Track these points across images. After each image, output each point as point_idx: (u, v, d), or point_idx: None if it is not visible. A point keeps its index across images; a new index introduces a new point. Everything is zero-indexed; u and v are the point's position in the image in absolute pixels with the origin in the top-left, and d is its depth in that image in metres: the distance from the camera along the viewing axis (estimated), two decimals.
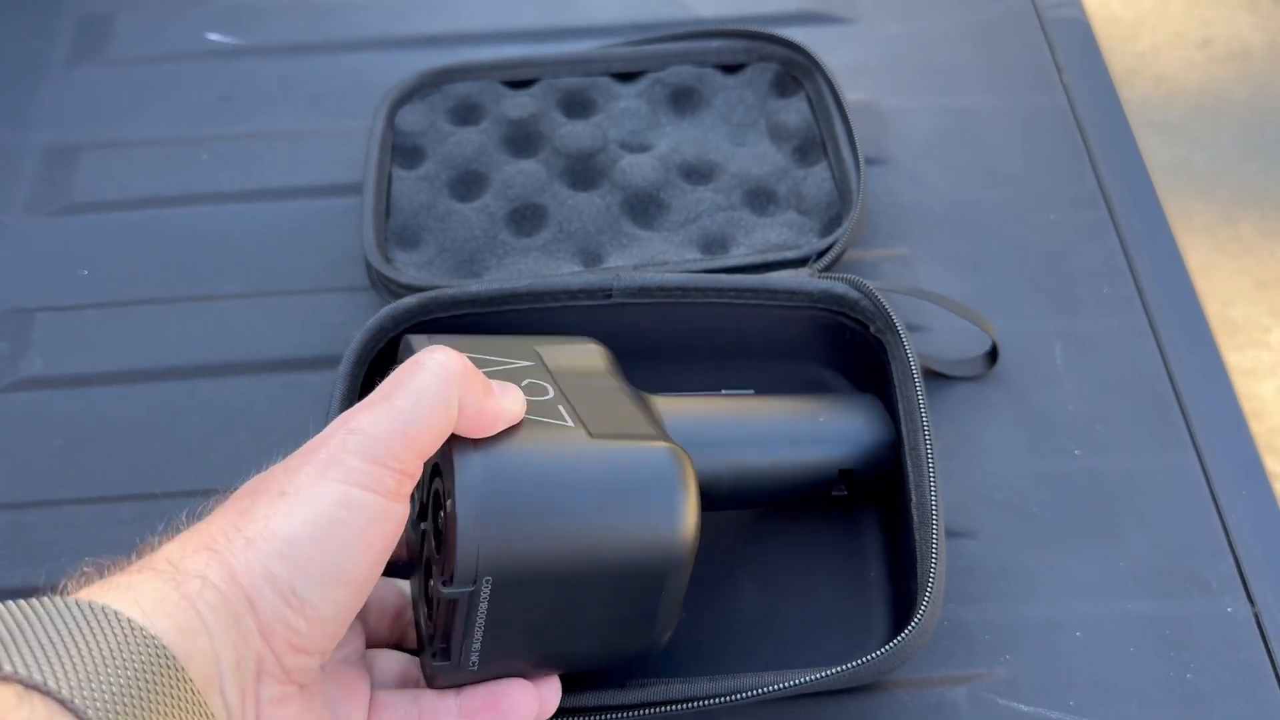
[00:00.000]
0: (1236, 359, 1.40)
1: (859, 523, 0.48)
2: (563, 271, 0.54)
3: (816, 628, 0.46)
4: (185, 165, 0.62)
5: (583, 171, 0.58)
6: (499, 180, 0.57)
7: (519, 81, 0.62)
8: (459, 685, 0.38)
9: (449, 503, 0.35)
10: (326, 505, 0.32)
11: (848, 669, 0.40)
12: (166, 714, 0.28)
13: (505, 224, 0.56)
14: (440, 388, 0.34)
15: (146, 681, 0.28)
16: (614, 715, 0.40)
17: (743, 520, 0.49)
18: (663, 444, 0.38)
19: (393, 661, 0.39)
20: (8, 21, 0.69)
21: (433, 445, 0.34)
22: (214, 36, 0.68)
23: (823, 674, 0.40)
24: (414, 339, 0.40)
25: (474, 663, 0.37)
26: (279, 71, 0.66)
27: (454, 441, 0.35)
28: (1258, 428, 1.34)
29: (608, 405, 0.40)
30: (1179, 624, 0.46)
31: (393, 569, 0.40)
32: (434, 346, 0.36)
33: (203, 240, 0.59)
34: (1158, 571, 0.47)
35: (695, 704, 0.40)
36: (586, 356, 0.43)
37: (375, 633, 0.40)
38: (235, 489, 0.35)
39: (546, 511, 0.36)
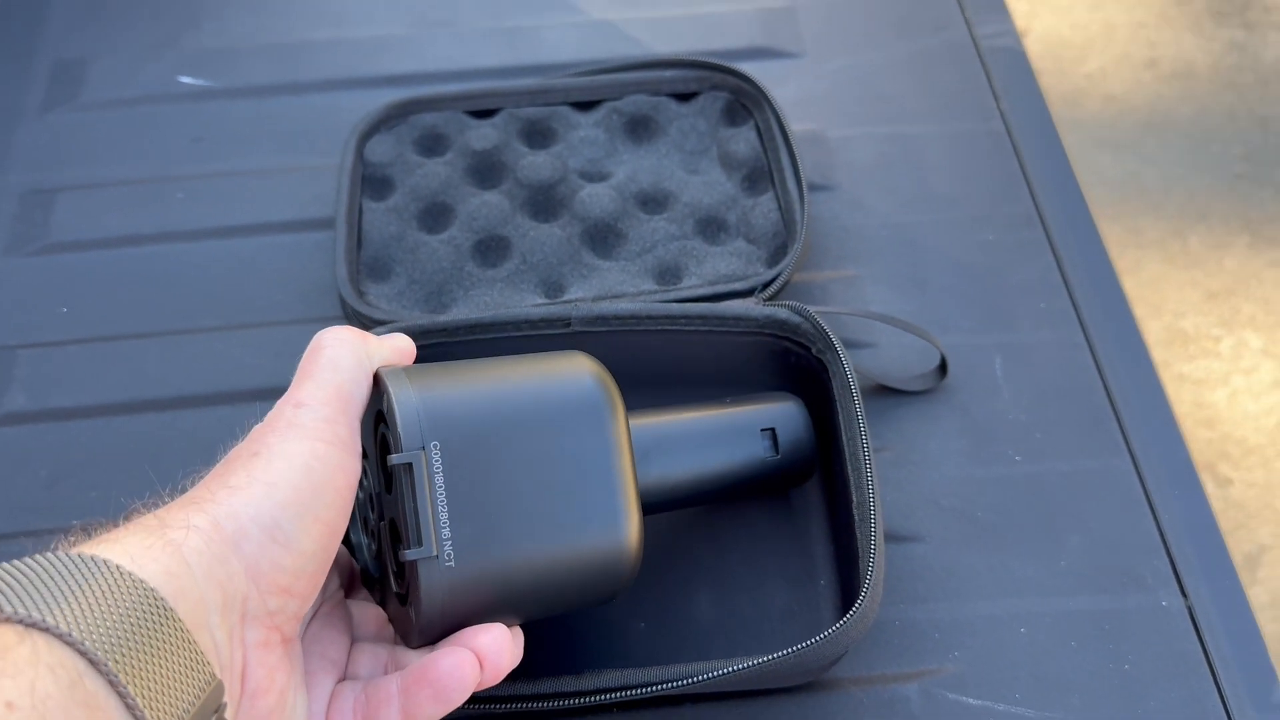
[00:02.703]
0: (1189, 369, 1.44)
1: (810, 534, 0.51)
2: (526, 303, 0.56)
3: (770, 631, 0.48)
4: (160, 204, 0.64)
5: (544, 202, 0.60)
6: (465, 212, 0.60)
7: (482, 111, 0.64)
8: (440, 619, 0.37)
9: (385, 400, 0.38)
10: (298, 456, 0.36)
11: (793, 652, 0.42)
12: (158, 650, 0.30)
13: (471, 256, 0.58)
14: (347, 350, 0.39)
15: (138, 619, 0.30)
16: (571, 701, 0.43)
17: (700, 532, 0.51)
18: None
19: (369, 656, 0.41)
20: None
21: (362, 396, 0.39)
22: (185, 79, 0.70)
23: (769, 658, 0.42)
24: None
25: (449, 554, 0.37)
26: (249, 112, 0.68)
27: (375, 373, 0.40)
28: (1210, 435, 1.38)
29: None
30: (1117, 618, 0.48)
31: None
32: (327, 328, 0.41)
33: (179, 276, 0.61)
34: (1096, 569, 0.49)
35: (648, 689, 0.42)
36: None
37: (364, 634, 0.42)
38: (191, 484, 0.37)
39: (474, 380, 0.39)
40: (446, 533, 0.37)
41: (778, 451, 0.48)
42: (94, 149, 0.67)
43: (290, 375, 0.56)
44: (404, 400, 0.37)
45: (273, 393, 0.55)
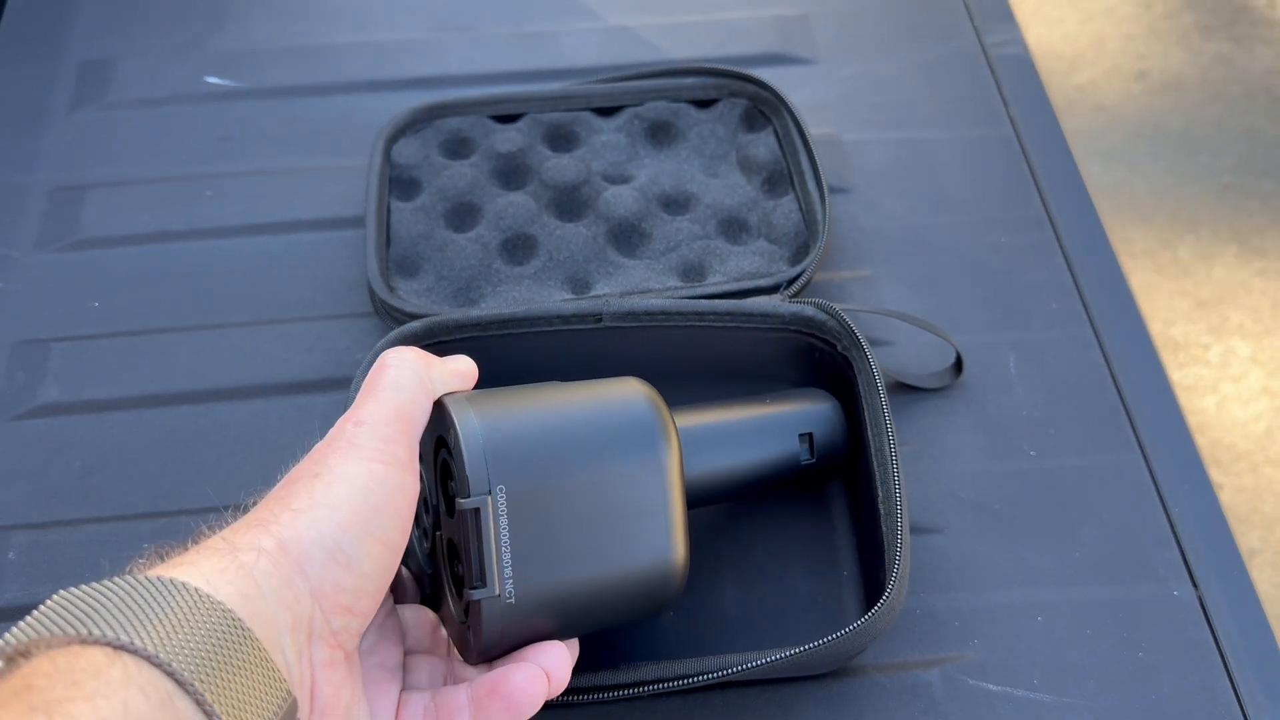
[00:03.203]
0: (1179, 376, 1.46)
1: (833, 525, 0.52)
2: (554, 299, 0.57)
3: (795, 621, 0.49)
4: (188, 202, 0.65)
5: (569, 203, 0.62)
6: (491, 212, 0.61)
7: (506, 116, 0.66)
8: (499, 645, 0.39)
9: (449, 434, 0.39)
10: (357, 478, 0.37)
11: (823, 644, 0.43)
12: (239, 670, 0.31)
13: (499, 253, 0.60)
14: (409, 370, 0.40)
15: (219, 640, 0.31)
16: (610, 694, 0.44)
17: (726, 524, 0.52)
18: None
19: (427, 667, 0.42)
20: (11, 68, 0.72)
21: (422, 417, 0.40)
22: (212, 80, 0.71)
23: (800, 650, 0.43)
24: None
25: (510, 592, 0.38)
26: (276, 112, 0.69)
27: (440, 401, 0.40)
28: (1200, 440, 1.40)
29: None
30: (1130, 607, 0.49)
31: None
32: (391, 349, 0.41)
33: (209, 272, 0.62)
34: (1109, 560, 0.51)
35: (684, 680, 0.44)
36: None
37: (416, 644, 0.43)
38: (253, 504, 0.38)
39: (536, 418, 0.40)
40: (509, 572, 0.38)
41: (814, 455, 0.50)
42: (122, 147, 0.67)
43: (320, 368, 0.58)
44: (470, 441, 0.38)
45: (303, 386, 0.57)
